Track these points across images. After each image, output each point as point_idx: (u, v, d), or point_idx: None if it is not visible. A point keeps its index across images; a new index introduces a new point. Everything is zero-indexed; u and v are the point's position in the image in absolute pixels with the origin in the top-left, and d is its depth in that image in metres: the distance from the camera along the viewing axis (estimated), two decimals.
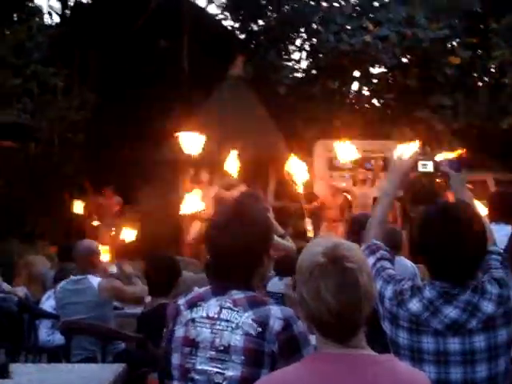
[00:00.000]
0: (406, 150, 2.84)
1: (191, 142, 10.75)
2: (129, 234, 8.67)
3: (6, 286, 7.77)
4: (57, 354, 6.34)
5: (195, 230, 12.04)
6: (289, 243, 5.67)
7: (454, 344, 2.31)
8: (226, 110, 14.45)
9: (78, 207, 12.59)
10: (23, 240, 12.48)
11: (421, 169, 2.80)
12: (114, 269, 6.45)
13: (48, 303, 6.41)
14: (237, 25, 17.92)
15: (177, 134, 10.52)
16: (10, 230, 12.75)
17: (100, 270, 5.67)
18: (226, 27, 18.32)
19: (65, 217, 13.25)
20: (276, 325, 2.33)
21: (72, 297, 5.48)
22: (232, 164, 10.84)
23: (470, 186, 2.99)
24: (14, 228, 12.93)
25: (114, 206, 12.92)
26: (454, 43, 15.89)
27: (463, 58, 14.88)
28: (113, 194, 13.05)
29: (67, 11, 17.27)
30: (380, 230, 2.73)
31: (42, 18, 16.43)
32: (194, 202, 10.63)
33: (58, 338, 6.16)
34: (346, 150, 10.94)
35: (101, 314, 5.44)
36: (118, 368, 3.56)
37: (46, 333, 6.63)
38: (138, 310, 5.97)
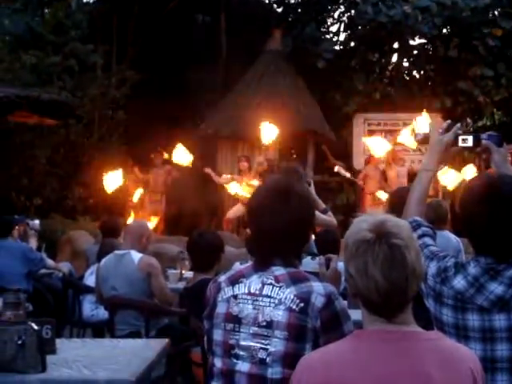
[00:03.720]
0: (446, 124, 2.79)
1: None
2: None
3: (50, 262, 7.91)
4: (101, 329, 6.45)
5: (235, 211, 11.98)
6: (330, 218, 5.66)
7: (499, 321, 2.28)
8: (265, 84, 14.40)
9: (119, 182, 12.68)
10: (66, 216, 12.65)
11: (461, 144, 2.73)
12: None
13: (91, 279, 6.50)
14: None
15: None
16: (53, 207, 12.93)
17: (145, 251, 5.72)
18: (263, 1, 18.20)
19: (106, 192, 13.39)
20: (318, 301, 2.34)
21: (113, 271, 5.55)
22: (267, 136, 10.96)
23: None
24: (56, 204, 13.11)
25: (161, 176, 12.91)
26: (496, 12, 15.55)
27: (505, 27, 14.55)
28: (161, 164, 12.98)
29: None
30: (420, 206, 2.67)
31: None
32: None
33: (102, 313, 6.26)
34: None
35: (141, 289, 5.50)
36: (161, 343, 3.60)
37: (90, 308, 6.74)
38: (180, 285, 6.05)
